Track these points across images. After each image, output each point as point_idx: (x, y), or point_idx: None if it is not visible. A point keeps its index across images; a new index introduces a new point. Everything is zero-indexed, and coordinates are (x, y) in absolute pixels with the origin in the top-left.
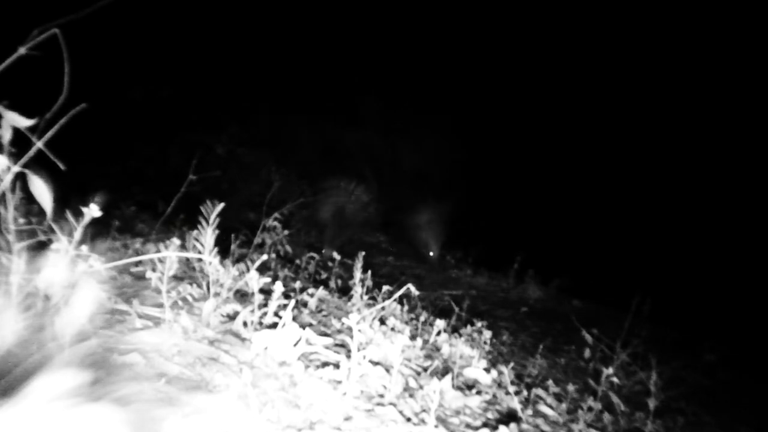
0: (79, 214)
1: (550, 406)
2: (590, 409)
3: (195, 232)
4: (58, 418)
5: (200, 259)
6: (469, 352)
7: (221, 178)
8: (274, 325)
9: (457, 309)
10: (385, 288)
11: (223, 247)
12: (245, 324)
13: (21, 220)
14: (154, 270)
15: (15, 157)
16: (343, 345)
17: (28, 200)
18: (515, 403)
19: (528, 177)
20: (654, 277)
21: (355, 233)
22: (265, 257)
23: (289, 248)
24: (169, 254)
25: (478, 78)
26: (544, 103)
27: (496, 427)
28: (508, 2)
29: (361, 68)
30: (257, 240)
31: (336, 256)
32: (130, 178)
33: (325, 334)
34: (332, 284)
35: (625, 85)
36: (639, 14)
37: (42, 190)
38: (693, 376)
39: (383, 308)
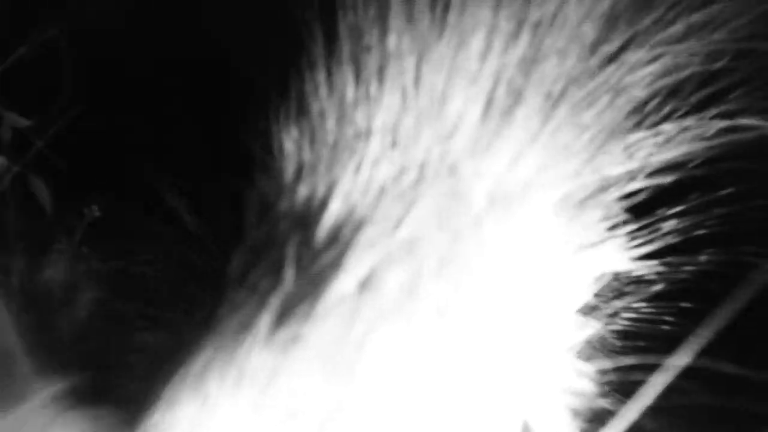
0: (79, 214)
1: None
2: None
3: None
4: (58, 419)
5: None
6: None
7: None
8: None
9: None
10: None
11: None
12: None
13: (21, 220)
14: None
15: (15, 157)
16: None
17: (28, 200)
18: None
19: None
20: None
21: None
22: None
23: None
24: None
25: None
26: None
27: None
28: None
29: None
30: None
31: None
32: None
33: None
34: None
35: None
36: None
37: (42, 190)
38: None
39: None
